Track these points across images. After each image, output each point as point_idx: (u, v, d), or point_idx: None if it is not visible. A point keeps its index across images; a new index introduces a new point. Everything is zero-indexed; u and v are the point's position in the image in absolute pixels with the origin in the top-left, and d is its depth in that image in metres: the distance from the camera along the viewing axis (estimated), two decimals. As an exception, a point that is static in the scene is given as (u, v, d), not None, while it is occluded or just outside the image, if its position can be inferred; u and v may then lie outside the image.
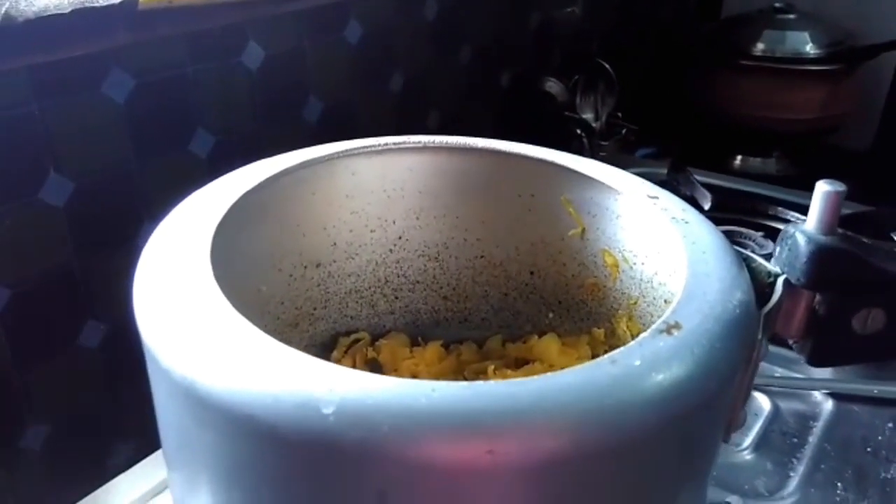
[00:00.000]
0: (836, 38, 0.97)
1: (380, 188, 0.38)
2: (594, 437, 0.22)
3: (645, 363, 0.23)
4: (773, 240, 0.67)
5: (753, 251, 0.66)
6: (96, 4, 0.46)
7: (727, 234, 0.68)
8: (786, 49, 0.96)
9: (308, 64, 0.62)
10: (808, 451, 0.48)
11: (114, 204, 0.50)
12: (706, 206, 0.70)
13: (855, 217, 0.71)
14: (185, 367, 0.22)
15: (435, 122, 0.76)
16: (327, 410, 0.20)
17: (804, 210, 0.77)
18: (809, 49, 0.96)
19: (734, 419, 0.28)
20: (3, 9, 0.43)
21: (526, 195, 0.39)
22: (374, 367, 0.40)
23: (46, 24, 0.43)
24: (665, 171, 0.79)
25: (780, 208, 0.71)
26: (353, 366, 0.40)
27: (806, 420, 0.51)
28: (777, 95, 0.98)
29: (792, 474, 0.46)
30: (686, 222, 0.31)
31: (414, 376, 0.40)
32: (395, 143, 0.37)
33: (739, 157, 1.05)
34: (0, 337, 0.44)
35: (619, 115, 0.93)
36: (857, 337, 0.29)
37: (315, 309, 0.40)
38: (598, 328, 0.39)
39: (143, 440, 0.50)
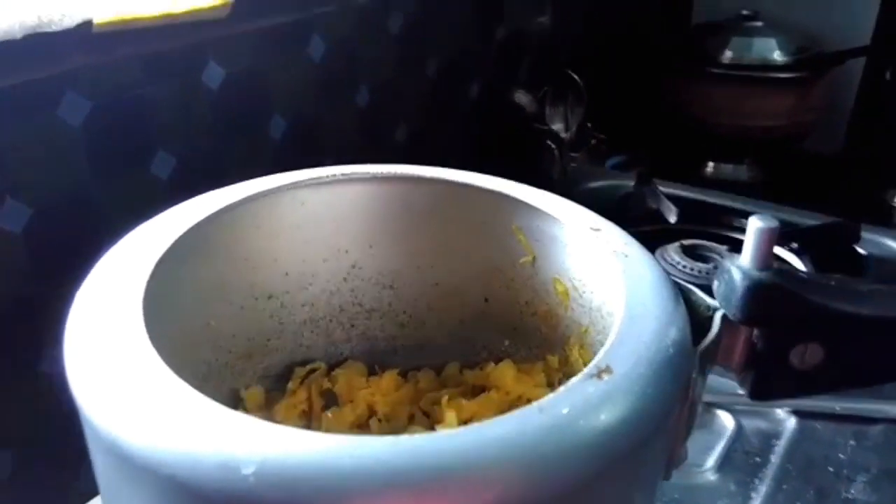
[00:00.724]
0: (802, 44, 0.98)
1: (330, 218, 0.38)
2: (524, 490, 0.21)
3: (574, 411, 0.23)
4: (739, 253, 0.67)
5: (717, 266, 0.66)
6: (49, 30, 0.46)
7: (693, 247, 0.69)
8: (753, 56, 0.96)
9: (271, 82, 0.61)
10: (770, 470, 0.48)
11: (73, 228, 0.49)
12: (672, 220, 0.71)
13: (820, 228, 0.72)
14: (107, 421, 0.22)
15: (403, 136, 0.76)
16: (247, 471, 0.20)
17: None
18: (777, 56, 0.97)
19: (674, 456, 0.28)
20: (-48, 37, 0.42)
21: (477, 223, 0.38)
22: (330, 397, 0.40)
23: (-3, 48, 0.43)
24: (631, 182, 0.79)
25: (746, 221, 0.72)
26: (309, 397, 0.40)
27: (769, 438, 0.51)
28: (746, 103, 0.99)
29: (754, 495, 0.47)
30: (626, 256, 0.31)
31: (370, 406, 0.40)
32: (343, 174, 0.37)
33: (711, 165, 1.05)
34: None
35: (590, 125, 0.93)
36: (796, 371, 0.29)
37: (269, 340, 0.40)
38: (553, 355, 0.39)
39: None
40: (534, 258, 0.38)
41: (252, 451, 0.20)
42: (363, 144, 0.72)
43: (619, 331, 0.26)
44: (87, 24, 0.47)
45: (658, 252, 0.67)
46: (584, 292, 0.36)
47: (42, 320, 0.48)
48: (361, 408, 0.39)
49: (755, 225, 0.28)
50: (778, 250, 0.71)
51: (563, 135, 0.91)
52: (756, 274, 0.28)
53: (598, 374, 0.24)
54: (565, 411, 0.23)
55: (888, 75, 1.00)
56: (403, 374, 0.42)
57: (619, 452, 0.23)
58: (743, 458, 0.50)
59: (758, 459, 0.49)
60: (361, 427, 0.39)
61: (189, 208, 0.34)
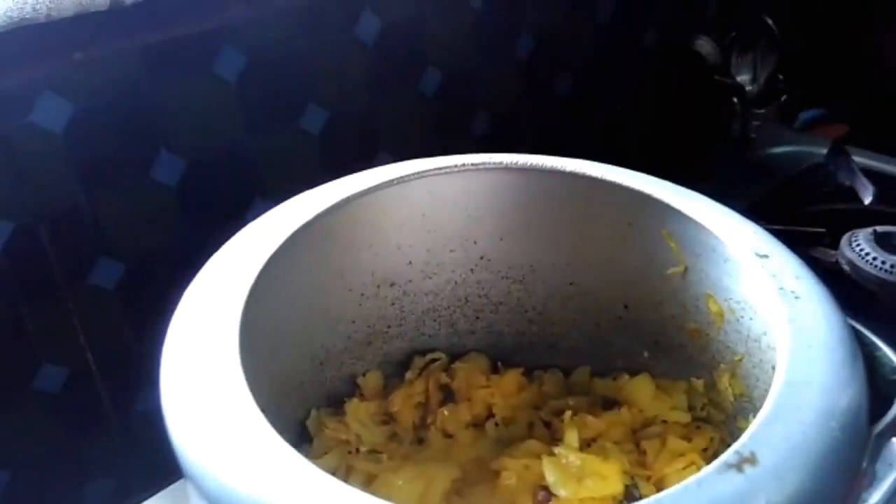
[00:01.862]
0: None
1: (459, 207, 0.35)
2: None
3: (699, 514, 0.19)
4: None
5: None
6: (206, -17, 0.45)
7: (889, 236, 0.59)
8: None
9: (427, 33, 0.58)
10: (954, 517, 0.41)
11: (225, 182, 0.50)
12: (867, 201, 0.61)
13: None
14: (189, 449, 0.21)
15: (567, 88, 0.71)
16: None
17: None
18: None
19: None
20: (111, -9, 0.42)
21: (622, 224, 0.34)
22: (448, 393, 0.38)
23: (155, 4, 0.43)
24: (824, 151, 0.69)
25: (962, 208, 0.60)
26: (426, 390, 0.38)
27: (957, 477, 0.43)
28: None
29: (927, 546, 0.40)
30: (796, 297, 0.26)
31: (488, 408, 0.37)
32: (472, 164, 0.34)
33: (927, 127, 0.91)
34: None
35: (781, 77, 0.83)
36: None
37: (389, 327, 0.38)
38: (698, 378, 0.35)
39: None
40: (685, 269, 0.33)
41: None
42: (522, 98, 0.67)
43: (773, 403, 0.22)
44: (243, -22, 0.46)
45: (846, 238, 0.58)
46: (741, 317, 0.31)
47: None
48: (479, 408, 0.37)
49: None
50: None
51: (748, 87, 0.81)
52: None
53: (739, 465, 0.20)
54: (688, 514, 0.19)
55: None
56: (529, 373, 0.39)
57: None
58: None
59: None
60: (478, 427, 0.37)
61: (313, 197, 0.33)
